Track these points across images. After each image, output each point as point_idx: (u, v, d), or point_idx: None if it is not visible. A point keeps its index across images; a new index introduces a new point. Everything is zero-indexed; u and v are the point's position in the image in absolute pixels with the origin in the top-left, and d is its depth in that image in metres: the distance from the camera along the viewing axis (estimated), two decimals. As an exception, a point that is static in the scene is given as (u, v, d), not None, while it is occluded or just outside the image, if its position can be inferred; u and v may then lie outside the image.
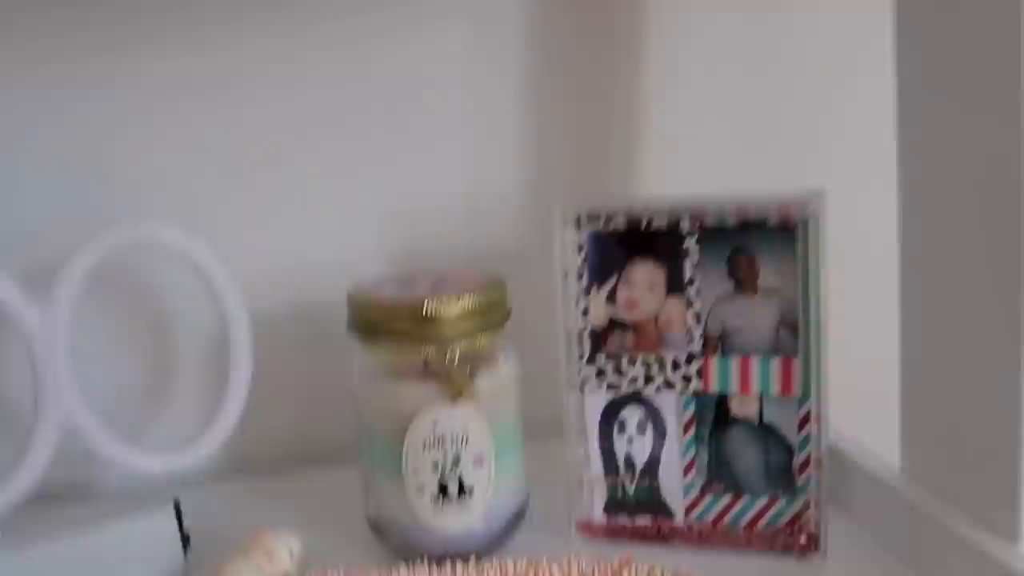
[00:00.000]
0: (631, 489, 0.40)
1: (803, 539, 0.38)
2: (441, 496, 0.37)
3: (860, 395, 0.43)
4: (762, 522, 0.39)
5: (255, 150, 0.47)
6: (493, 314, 0.37)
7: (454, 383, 0.36)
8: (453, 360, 0.36)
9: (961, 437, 0.34)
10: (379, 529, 0.39)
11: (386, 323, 0.36)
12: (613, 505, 0.40)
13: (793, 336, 0.37)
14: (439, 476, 0.37)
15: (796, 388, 0.37)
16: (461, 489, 0.37)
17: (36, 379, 0.39)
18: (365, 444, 0.39)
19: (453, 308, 0.36)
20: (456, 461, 0.37)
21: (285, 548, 0.38)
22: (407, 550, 0.38)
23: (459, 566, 0.37)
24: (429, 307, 0.35)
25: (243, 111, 0.46)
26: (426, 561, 0.37)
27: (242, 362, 0.42)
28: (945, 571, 0.34)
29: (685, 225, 0.37)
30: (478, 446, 0.37)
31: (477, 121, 0.49)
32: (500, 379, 0.38)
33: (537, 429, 0.41)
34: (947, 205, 0.34)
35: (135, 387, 0.47)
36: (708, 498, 0.39)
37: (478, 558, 0.37)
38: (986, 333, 0.32)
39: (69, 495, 0.45)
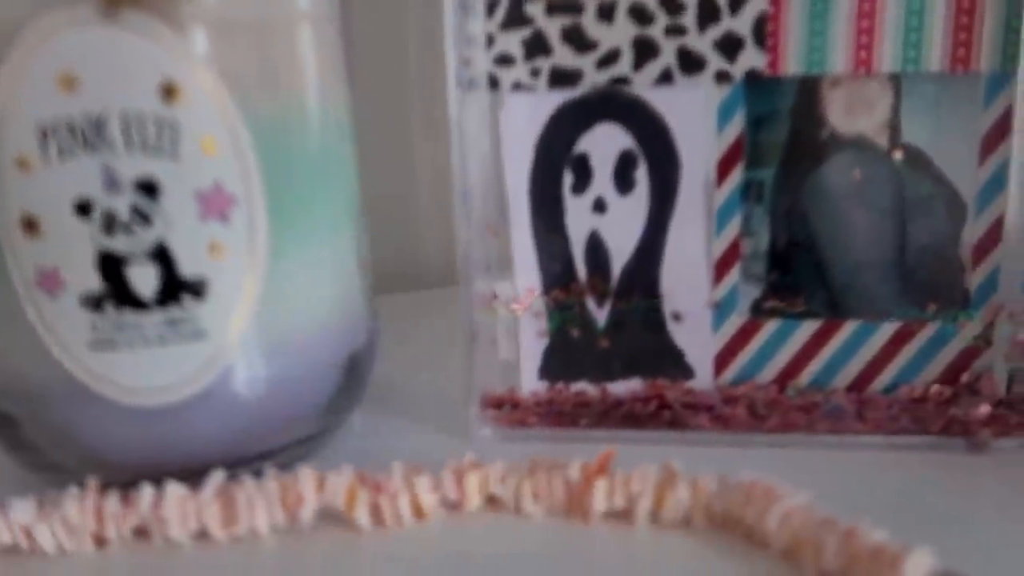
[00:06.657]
0: (600, 319, 0.18)
1: (983, 409, 0.17)
2: (113, 299, 0.14)
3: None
4: (887, 372, 0.17)
5: None
6: None
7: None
8: None
9: None
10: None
11: None
12: (561, 357, 0.18)
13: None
14: (100, 240, 0.13)
15: (984, 56, 0.16)
16: (172, 281, 0.14)
17: None
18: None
19: None
20: (147, 195, 0.13)
21: None
22: (38, 458, 0.15)
23: (173, 493, 0.14)
24: None
25: None
26: (97, 489, 0.14)
27: None
28: None
29: None
30: (217, 148, 0.14)
31: None
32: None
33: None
34: None
35: None
36: (768, 329, 0.18)
37: (232, 472, 0.15)
38: None
39: None
